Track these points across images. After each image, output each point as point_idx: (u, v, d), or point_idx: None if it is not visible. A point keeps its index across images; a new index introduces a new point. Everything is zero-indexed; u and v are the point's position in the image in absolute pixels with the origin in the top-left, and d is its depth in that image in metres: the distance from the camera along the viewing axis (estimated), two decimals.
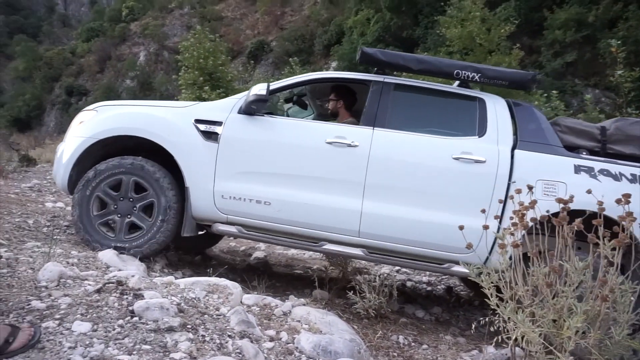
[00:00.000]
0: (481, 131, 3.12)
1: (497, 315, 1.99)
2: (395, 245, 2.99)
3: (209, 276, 2.60)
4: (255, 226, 3.04)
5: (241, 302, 2.31)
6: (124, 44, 51.61)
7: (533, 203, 2.15)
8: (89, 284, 2.08)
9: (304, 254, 5.31)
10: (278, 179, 3.03)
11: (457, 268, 2.94)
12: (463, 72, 3.20)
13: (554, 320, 1.84)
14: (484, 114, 3.18)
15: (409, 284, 4.42)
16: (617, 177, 2.92)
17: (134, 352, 1.53)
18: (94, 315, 1.72)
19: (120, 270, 2.51)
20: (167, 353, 1.57)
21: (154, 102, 3.61)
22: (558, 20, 14.75)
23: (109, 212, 3.03)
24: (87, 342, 1.53)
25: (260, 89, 3.00)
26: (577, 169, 2.96)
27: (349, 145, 2.99)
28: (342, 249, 3.02)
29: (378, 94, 3.20)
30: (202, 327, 1.82)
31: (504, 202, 2.92)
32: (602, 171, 2.94)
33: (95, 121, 3.16)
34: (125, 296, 1.90)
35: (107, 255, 2.68)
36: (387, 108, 3.17)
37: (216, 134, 3.06)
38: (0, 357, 1.36)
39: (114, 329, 1.65)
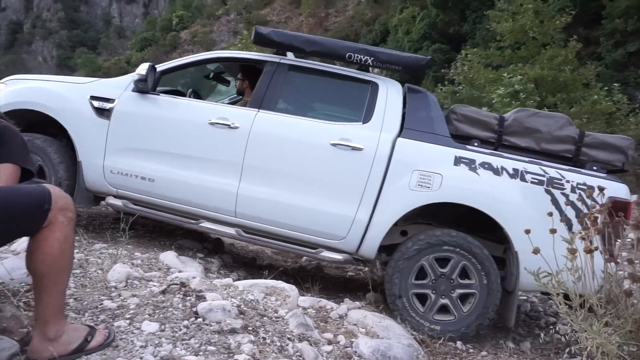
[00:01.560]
0: (367, 117, 3.02)
1: (568, 325, 1.88)
2: (270, 227, 2.94)
3: (264, 278, 2.64)
4: (142, 201, 3.06)
5: (297, 304, 2.32)
6: (175, 52, 53.72)
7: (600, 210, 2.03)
8: (154, 285, 2.16)
9: None
10: (163, 157, 3.03)
11: (326, 254, 2.90)
12: (356, 55, 3.06)
13: (630, 332, 1.73)
14: (373, 99, 3.05)
15: None
16: (497, 172, 2.79)
17: (200, 353, 1.57)
18: (161, 315, 1.79)
19: (180, 271, 2.60)
20: (231, 355, 1.60)
21: (61, 77, 3.62)
22: (618, 8, 13.89)
23: None
24: (157, 342, 1.59)
25: (142, 69, 3.01)
26: (457, 161, 2.83)
27: (230, 127, 2.97)
28: (218, 227, 2.99)
29: (270, 75, 3.12)
30: (263, 329, 1.85)
31: (379, 192, 2.84)
32: (483, 164, 2.81)
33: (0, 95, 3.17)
34: (188, 297, 1.96)
35: (168, 257, 2.78)
36: (277, 90, 3.11)
37: (109, 110, 3.09)
38: (79, 354, 1.44)
39: (180, 330, 1.70)
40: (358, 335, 2.13)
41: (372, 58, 3.06)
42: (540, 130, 3.03)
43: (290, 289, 2.30)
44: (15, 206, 1.33)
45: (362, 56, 3.06)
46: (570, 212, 2.69)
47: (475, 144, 3.03)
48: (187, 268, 2.74)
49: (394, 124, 2.98)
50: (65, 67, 70.10)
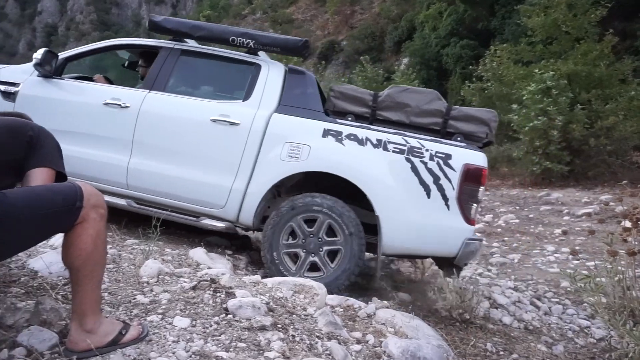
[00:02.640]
0: (247, 95, 3.26)
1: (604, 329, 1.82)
2: (158, 199, 3.17)
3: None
4: None
5: (325, 303, 2.32)
6: None
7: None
8: (185, 281, 2.20)
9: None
10: (63, 136, 3.08)
11: (207, 221, 3.12)
12: (239, 38, 3.31)
13: None
14: (254, 79, 3.29)
15: (493, 288, 4.21)
16: (362, 142, 3.00)
17: (231, 349, 1.59)
18: (192, 311, 1.81)
19: (209, 268, 2.64)
20: (261, 352, 1.61)
21: None
22: None
23: None
24: (188, 337, 1.61)
25: (38, 53, 3.23)
26: (325, 133, 3.05)
27: (121, 107, 3.22)
28: (112, 199, 3.11)
29: (163, 59, 3.40)
30: (292, 327, 1.85)
31: (255, 163, 3.08)
32: (349, 136, 3.02)
33: None
34: (218, 294, 1.98)
35: (198, 254, 2.83)
36: (168, 72, 3.36)
37: (14, 94, 3.32)
38: (114, 347, 1.47)
39: (210, 326, 1.72)
40: (387, 335, 2.11)
41: (253, 41, 3.31)
42: (410, 105, 3.25)
43: (319, 287, 2.29)
44: (49, 204, 1.37)
45: (244, 40, 3.31)
46: (428, 179, 2.92)
47: (350, 118, 3.26)
48: (216, 264, 2.77)
49: (271, 101, 3.23)
50: (96, 67, 72.10)
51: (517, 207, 7.95)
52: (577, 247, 5.35)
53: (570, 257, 5.15)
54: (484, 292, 3.61)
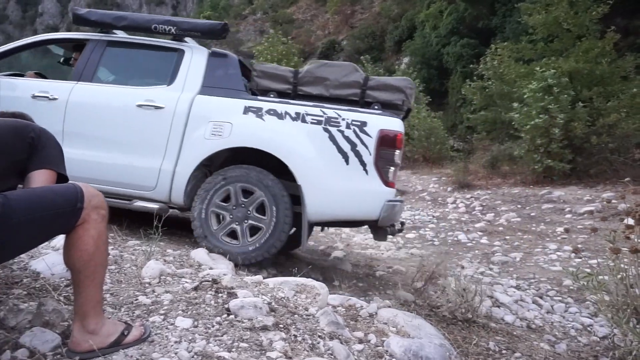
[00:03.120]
0: (171, 80, 3.38)
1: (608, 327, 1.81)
2: (93, 186, 3.19)
3: (294, 275, 2.65)
4: None
5: (327, 302, 2.32)
6: None
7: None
8: (186, 282, 2.20)
9: (382, 253, 5.26)
10: None
11: (140, 203, 3.22)
12: (160, 26, 3.44)
13: None
14: (178, 64, 3.43)
15: (495, 287, 4.20)
16: (281, 116, 3.12)
17: (233, 350, 1.58)
18: (194, 312, 1.81)
19: (211, 268, 2.64)
20: (263, 352, 1.61)
21: None
22: None
23: None
24: (190, 338, 1.61)
25: None
26: (246, 110, 3.16)
27: (49, 99, 3.32)
28: None
29: (90, 51, 3.51)
30: (294, 326, 1.85)
31: (181, 144, 3.20)
32: (269, 111, 3.14)
33: None
34: (220, 294, 1.99)
35: (199, 254, 2.83)
36: (95, 64, 3.47)
37: None
38: (117, 348, 1.47)
39: (212, 326, 1.72)
40: (389, 335, 2.11)
41: (174, 27, 3.45)
42: (329, 78, 3.37)
43: (320, 286, 2.29)
44: (50, 206, 1.37)
45: (166, 27, 3.45)
46: (346, 146, 3.05)
47: (272, 95, 3.38)
48: (217, 265, 2.77)
49: (194, 84, 3.35)
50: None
51: (519, 206, 7.94)
52: (579, 245, 5.34)
53: (573, 255, 5.14)
54: (486, 291, 3.60)
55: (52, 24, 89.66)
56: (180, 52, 3.50)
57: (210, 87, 3.35)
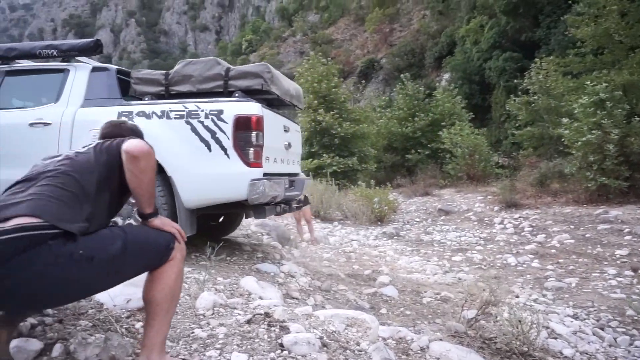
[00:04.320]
0: (57, 98, 3.72)
1: None
2: None
3: (339, 302, 2.65)
4: None
5: (377, 335, 2.30)
6: None
7: None
8: (239, 313, 2.25)
9: (428, 277, 5.15)
10: None
11: None
12: (44, 50, 3.80)
13: None
14: (63, 83, 3.76)
15: (550, 315, 4.01)
16: (149, 116, 3.40)
17: None
18: (248, 346, 1.85)
19: (260, 297, 2.69)
20: None
21: None
22: None
23: None
24: None
25: None
26: (119, 115, 3.40)
27: None
28: None
29: None
30: None
31: None
32: (138, 113, 3.42)
33: None
34: (272, 328, 2.02)
35: (249, 283, 2.89)
36: None
37: None
38: None
39: None
40: None
41: (55, 50, 3.80)
42: (193, 75, 3.60)
43: (371, 320, 2.28)
44: (150, 245, 1.56)
45: (49, 50, 3.81)
46: (206, 135, 3.31)
47: (147, 98, 3.67)
48: (266, 293, 2.82)
49: (77, 98, 3.69)
50: None
51: (572, 226, 7.57)
52: None
53: (635, 281, 4.84)
54: (541, 320, 3.45)
55: (105, 53, 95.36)
56: (65, 72, 3.85)
57: (91, 99, 3.70)
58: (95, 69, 3.87)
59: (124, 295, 2.24)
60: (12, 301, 1.36)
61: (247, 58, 58.52)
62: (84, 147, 1.82)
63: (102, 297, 2.19)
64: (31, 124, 3.66)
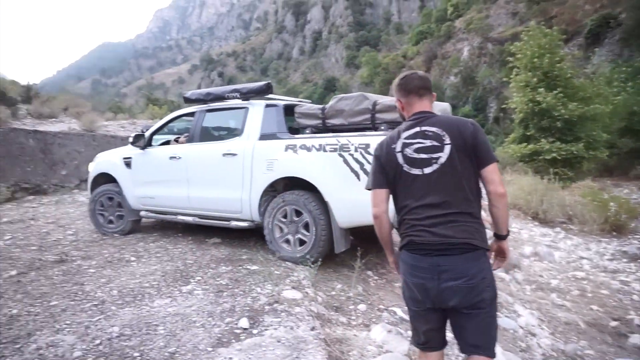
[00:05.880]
0: (241, 132, 4.48)
1: None
2: (208, 213, 4.69)
3: None
4: (153, 211, 5.23)
5: None
6: (449, 42, 53.83)
7: None
8: None
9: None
10: (154, 184, 5.11)
11: (235, 223, 4.49)
12: (230, 94, 4.65)
13: None
14: (244, 119, 4.51)
15: None
16: (309, 149, 3.99)
17: None
18: None
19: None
20: None
21: (116, 149, 5.99)
22: None
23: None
24: None
25: (130, 136, 5.26)
26: (287, 148, 4.13)
27: (176, 158, 4.86)
28: (184, 217, 4.90)
29: (197, 119, 4.94)
30: None
31: (251, 179, 4.31)
32: (301, 146, 4.04)
33: (94, 163, 5.86)
34: None
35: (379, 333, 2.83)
36: (198, 128, 4.90)
37: (130, 163, 5.35)
38: None
39: None
40: None
41: (237, 93, 4.61)
42: (345, 110, 4.01)
43: None
44: None
45: (233, 94, 4.64)
46: (356, 166, 3.70)
47: (307, 131, 4.21)
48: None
49: (255, 133, 4.39)
50: (352, 65, 79.81)
51: None
52: None
53: None
54: None
55: (317, 28, 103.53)
56: (246, 109, 4.59)
57: (264, 134, 4.37)
58: (267, 105, 4.49)
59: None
60: None
61: (452, 24, 55.68)
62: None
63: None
64: (224, 154, 4.49)
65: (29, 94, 19.40)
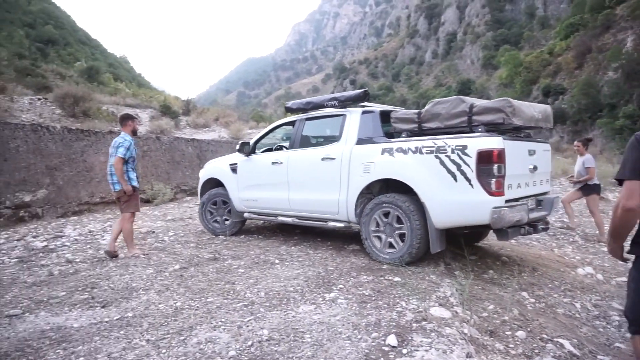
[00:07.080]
0: (339, 138, 4.92)
1: None
2: (306, 214, 5.20)
3: None
4: (255, 212, 5.77)
5: None
6: (607, 33, 47.15)
7: None
8: None
9: None
10: (257, 187, 5.66)
11: (332, 223, 4.95)
12: (329, 102, 5.18)
13: None
14: (342, 125, 4.93)
15: None
16: (405, 152, 4.20)
17: None
18: None
19: None
20: None
21: (224, 157, 6.71)
22: None
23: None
24: None
25: (237, 145, 5.93)
26: (383, 151, 4.40)
27: (279, 163, 5.43)
28: (284, 218, 5.43)
29: (297, 127, 5.51)
30: None
31: (348, 181, 4.67)
32: (397, 149, 4.27)
33: (204, 169, 6.61)
34: None
35: None
36: (298, 135, 5.45)
37: (236, 169, 5.95)
38: None
39: None
40: None
41: (336, 102, 5.07)
42: (441, 113, 4.20)
43: None
44: None
45: (332, 102, 5.10)
46: (453, 168, 3.89)
47: (404, 135, 4.48)
48: None
49: (352, 138, 4.77)
50: (489, 66, 74.86)
51: None
52: None
53: None
54: None
55: (451, 30, 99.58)
56: (343, 116, 4.93)
57: (361, 138, 4.64)
58: (364, 112, 4.77)
59: None
60: None
61: (611, 12, 48.69)
62: None
63: None
64: (323, 159, 4.87)
65: (188, 107, 22.19)
